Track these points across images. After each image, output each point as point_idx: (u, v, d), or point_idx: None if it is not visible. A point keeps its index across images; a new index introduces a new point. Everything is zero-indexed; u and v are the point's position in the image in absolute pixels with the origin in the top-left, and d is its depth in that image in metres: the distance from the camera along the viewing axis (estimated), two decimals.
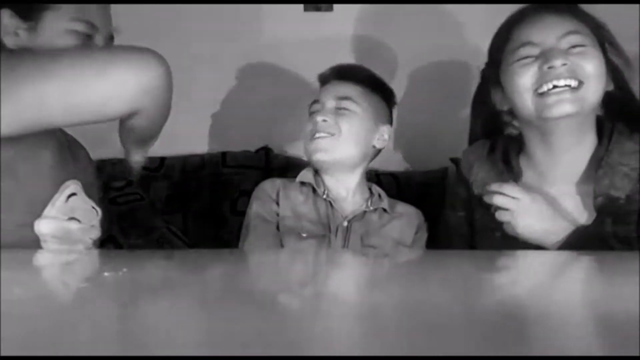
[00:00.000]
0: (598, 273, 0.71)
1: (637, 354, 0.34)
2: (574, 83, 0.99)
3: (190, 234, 1.45)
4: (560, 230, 1.00)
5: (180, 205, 1.49)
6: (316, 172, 1.24)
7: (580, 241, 0.99)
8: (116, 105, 0.82)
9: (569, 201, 1.05)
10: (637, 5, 1.41)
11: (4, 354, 0.32)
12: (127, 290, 0.56)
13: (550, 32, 1.02)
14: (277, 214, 1.19)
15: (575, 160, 1.06)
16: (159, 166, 1.51)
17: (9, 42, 0.92)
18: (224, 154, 1.55)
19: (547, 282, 0.66)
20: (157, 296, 0.53)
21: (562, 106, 0.99)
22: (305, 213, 1.19)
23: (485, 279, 0.67)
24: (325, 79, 1.27)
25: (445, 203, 1.22)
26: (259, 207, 1.20)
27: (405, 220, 1.23)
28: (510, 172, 1.09)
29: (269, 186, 1.23)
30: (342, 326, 0.42)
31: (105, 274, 0.68)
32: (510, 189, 1.01)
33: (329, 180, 1.22)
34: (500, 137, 1.14)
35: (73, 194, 0.91)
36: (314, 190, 1.21)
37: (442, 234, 1.22)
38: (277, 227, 1.18)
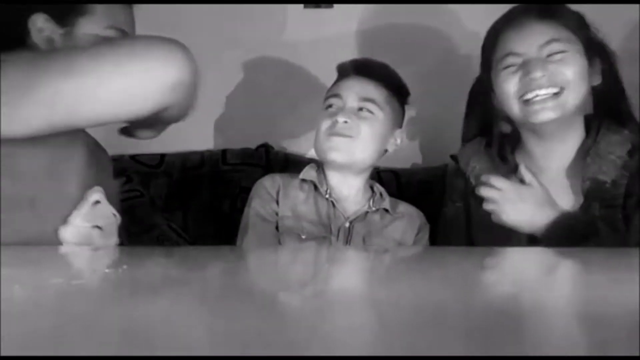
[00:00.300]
0: (598, 269, 0.71)
1: (637, 354, 0.34)
2: (554, 90, 1.05)
3: (191, 232, 1.45)
4: (544, 217, 1.03)
5: (181, 203, 1.48)
6: (318, 169, 1.22)
7: (567, 226, 1.03)
8: (141, 103, 0.78)
9: (560, 191, 1.09)
10: (637, 5, 1.41)
11: (3, 353, 0.32)
12: (127, 287, 0.56)
13: (532, 41, 1.07)
14: (277, 214, 1.18)
15: (567, 154, 1.12)
16: (159, 163, 1.51)
17: (43, 46, 0.90)
18: (224, 151, 1.55)
19: (546, 280, 0.66)
20: (157, 294, 0.53)
21: (545, 113, 1.05)
22: (305, 213, 1.18)
23: (485, 276, 0.67)
24: (345, 72, 1.23)
25: (445, 197, 1.25)
26: (258, 205, 1.18)
27: (407, 221, 1.23)
28: (506, 166, 1.14)
29: (269, 184, 1.21)
30: (342, 325, 0.42)
31: (106, 270, 0.68)
32: (496, 180, 1.05)
33: (334, 179, 1.20)
34: (495, 134, 1.18)
35: (97, 202, 0.89)
36: (316, 188, 1.20)
37: (440, 227, 1.25)
38: (277, 227, 1.18)
